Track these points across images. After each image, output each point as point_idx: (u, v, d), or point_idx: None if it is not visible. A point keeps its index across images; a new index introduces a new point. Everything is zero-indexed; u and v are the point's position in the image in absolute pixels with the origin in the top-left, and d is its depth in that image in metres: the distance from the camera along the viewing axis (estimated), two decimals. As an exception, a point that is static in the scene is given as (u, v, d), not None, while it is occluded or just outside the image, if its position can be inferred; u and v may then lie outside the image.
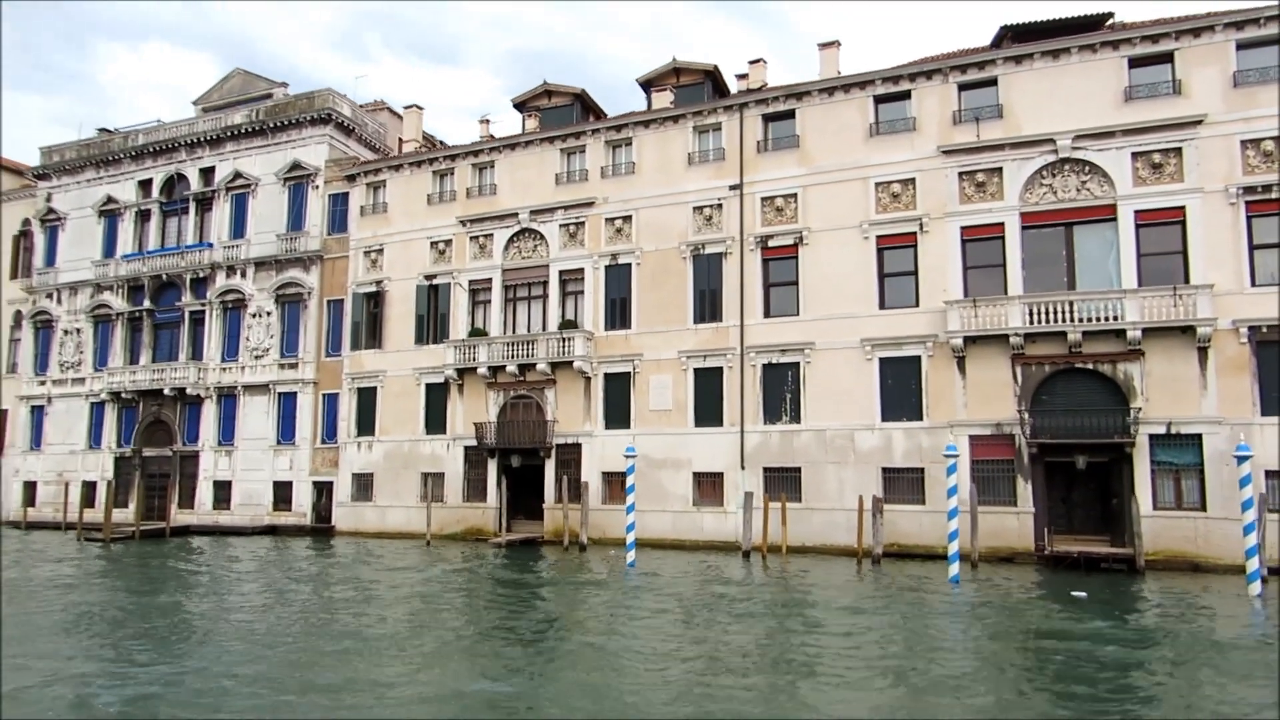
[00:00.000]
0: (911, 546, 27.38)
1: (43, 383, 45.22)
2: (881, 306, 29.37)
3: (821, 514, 29.07)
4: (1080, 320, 26.07)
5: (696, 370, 31.56)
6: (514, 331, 35.06)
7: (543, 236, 34.89)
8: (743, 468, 30.38)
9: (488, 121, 38.62)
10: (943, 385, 28.15)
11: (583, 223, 34.18)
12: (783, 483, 29.75)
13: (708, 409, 31.24)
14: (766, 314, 30.95)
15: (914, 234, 29.20)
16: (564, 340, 32.93)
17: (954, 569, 21.48)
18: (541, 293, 34.95)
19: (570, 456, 33.15)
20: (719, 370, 31.26)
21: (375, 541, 34.26)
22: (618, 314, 33.23)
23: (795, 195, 30.95)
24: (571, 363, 32.80)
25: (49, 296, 45.64)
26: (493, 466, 34.35)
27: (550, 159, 35.17)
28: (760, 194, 31.44)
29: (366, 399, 37.32)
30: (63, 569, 26.48)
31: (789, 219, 30.98)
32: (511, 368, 33.62)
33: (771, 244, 31.08)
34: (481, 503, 34.42)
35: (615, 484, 32.23)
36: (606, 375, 32.95)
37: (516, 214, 35.18)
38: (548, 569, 25.22)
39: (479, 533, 33.93)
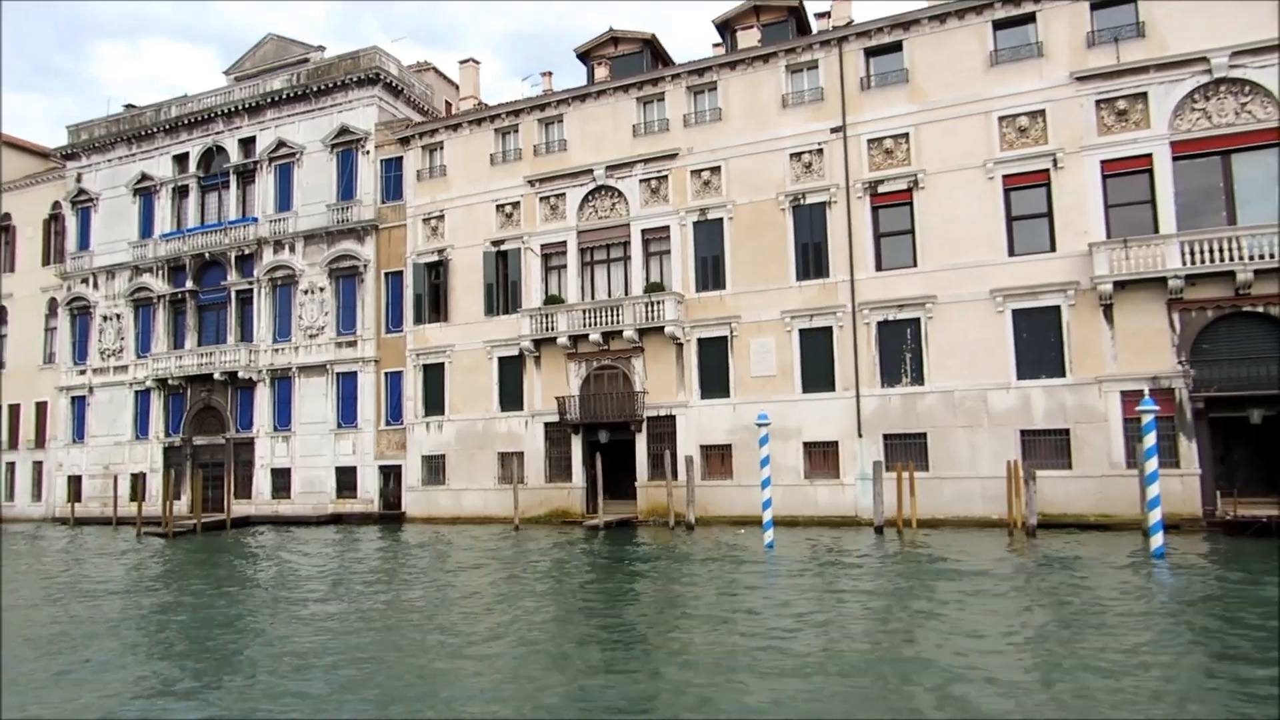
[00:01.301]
0: (1058, 515, 24.76)
1: (82, 372, 42.93)
2: (1011, 253, 26.65)
3: (952, 483, 26.51)
4: (1251, 258, 23.30)
5: (802, 331, 28.96)
6: (593, 298, 32.48)
7: (621, 194, 32.21)
8: (860, 435, 27.83)
9: (549, 75, 35.81)
10: (1087, 337, 25.45)
11: (665, 176, 31.48)
12: (905, 450, 27.19)
13: (817, 373, 28.66)
14: (879, 267, 28.27)
15: (1046, 171, 26.41)
16: (652, 304, 30.34)
17: (1157, 540, 18.86)
18: (622, 254, 32.32)
19: (663, 430, 30.64)
20: (827, 330, 28.65)
21: (451, 527, 31.93)
22: (710, 274, 30.59)
23: (906, 135, 28.17)
24: (662, 328, 30.22)
25: (85, 281, 43.25)
26: (577, 443, 31.89)
27: (625, 110, 32.41)
28: (866, 135, 28.67)
29: (434, 376, 34.85)
30: (134, 566, 24.17)
31: (900, 161, 28.21)
32: (595, 336, 31.06)
33: (881, 190, 28.34)
34: (566, 482, 32.00)
35: (715, 458, 29.80)
36: (700, 340, 30.37)
37: (590, 170, 32.48)
38: (667, 554, 22.74)
39: (564, 515, 31.54)
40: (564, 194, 33.08)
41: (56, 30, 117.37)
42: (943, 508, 26.43)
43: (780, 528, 27.17)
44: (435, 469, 34.50)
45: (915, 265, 27.71)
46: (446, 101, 42.47)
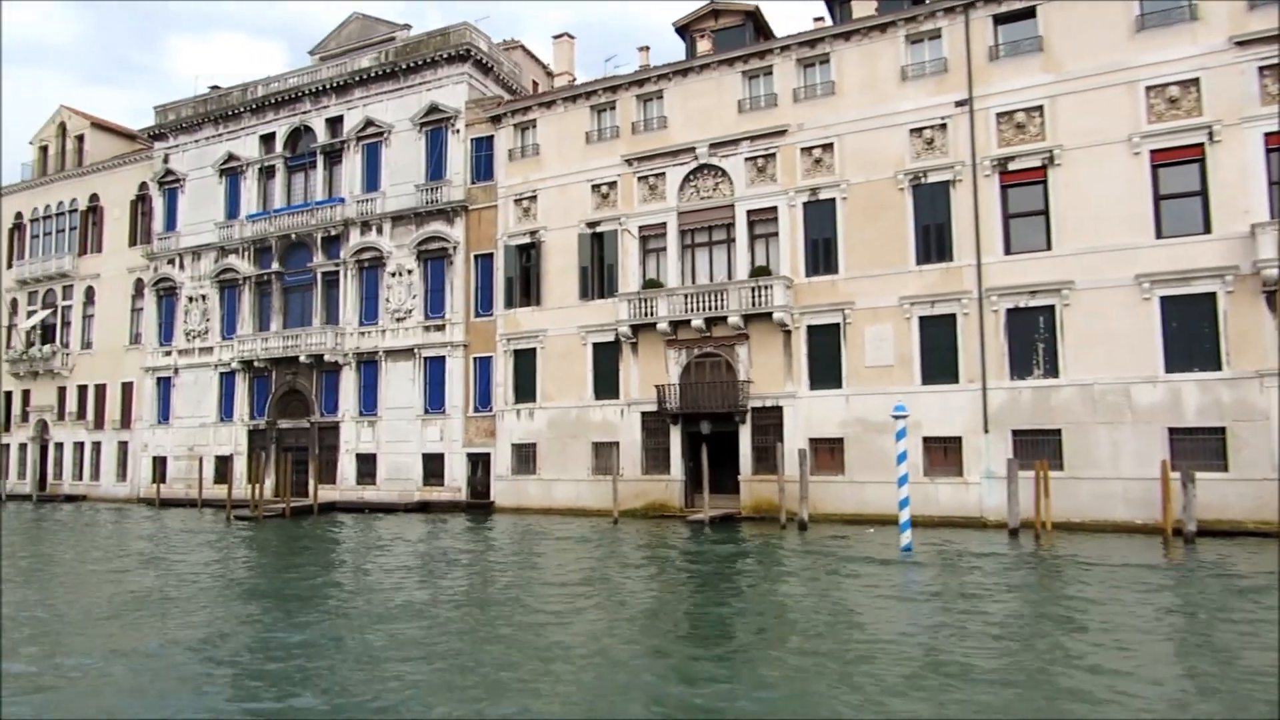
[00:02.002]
0: (1211, 521, 22.63)
1: (168, 353, 42.79)
2: (1159, 235, 24.53)
3: (1090, 484, 24.55)
4: None
5: (923, 319, 27.17)
6: (693, 282, 31.03)
7: (725, 173, 30.67)
8: (986, 431, 25.99)
9: (646, 49, 34.36)
10: (1247, 327, 23.28)
11: (773, 154, 29.86)
12: (1037, 447, 25.27)
13: (938, 363, 26.86)
14: (1008, 250, 26.35)
15: (1200, 146, 24.23)
16: (759, 289, 28.80)
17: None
18: (725, 237, 30.80)
19: (768, 421, 29.13)
20: (950, 318, 26.82)
21: (542, 519, 30.81)
22: (821, 257, 28.93)
23: (1040, 108, 26.16)
24: (769, 314, 28.67)
25: (171, 263, 43.06)
26: (676, 434, 30.52)
27: (730, 84, 30.84)
28: (995, 109, 26.72)
29: (525, 362, 33.75)
30: (229, 550, 23.44)
31: (1033, 136, 26.21)
32: (697, 322, 29.62)
33: (1012, 167, 26.40)
34: (663, 475, 30.66)
35: (824, 452, 28.18)
36: (810, 328, 28.75)
37: (693, 149, 31.00)
38: (789, 556, 21.24)
39: (662, 508, 30.20)
40: (663, 173, 31.65)
41: (134, 25, 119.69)
42: (1079, 510, 24.51)
43: (895, 527, 25.61)
44: (525, 458, 33.42)
45: (1049, 249, 25.74)
46: (533, 81, 41.29)
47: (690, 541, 24.13)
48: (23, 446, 48.00)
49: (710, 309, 29.54)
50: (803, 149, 29.37)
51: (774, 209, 29.70)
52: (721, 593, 16.35)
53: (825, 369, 28.44)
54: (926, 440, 26.84)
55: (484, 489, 34.30)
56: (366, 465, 36.79)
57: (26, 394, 48.12)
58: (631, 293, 31.12)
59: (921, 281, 27.22)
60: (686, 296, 30.04)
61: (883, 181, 28.06)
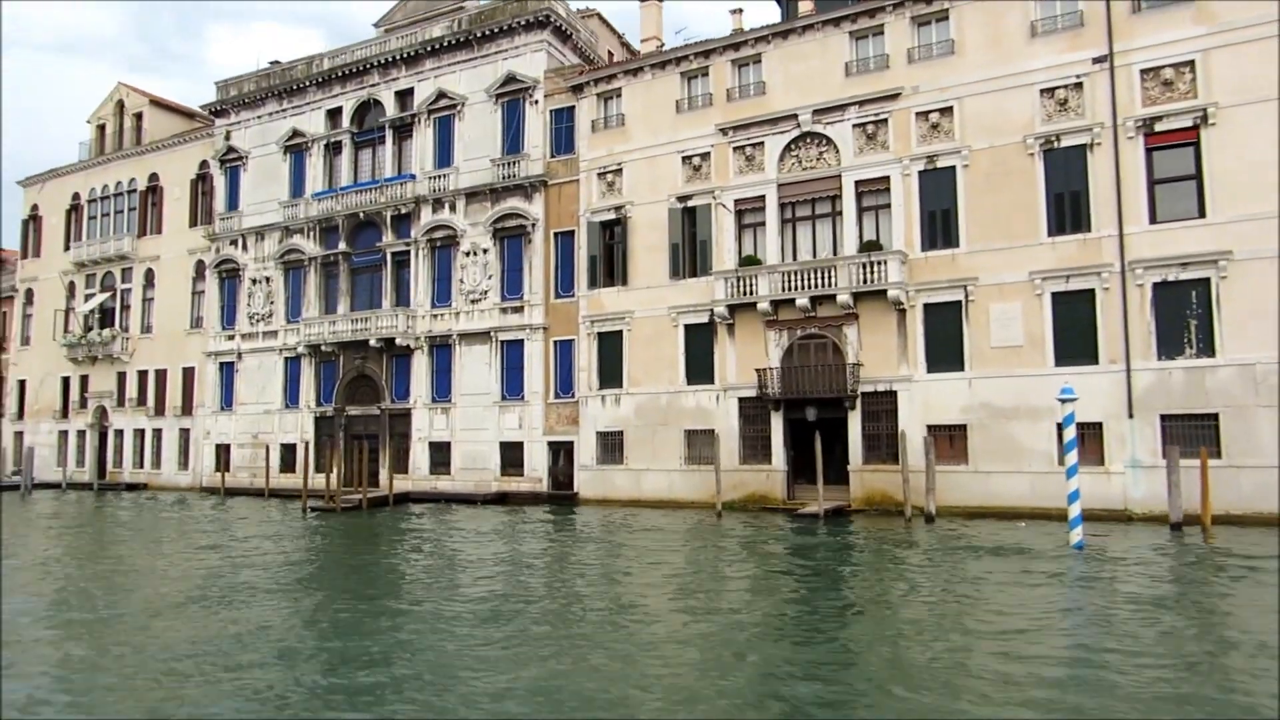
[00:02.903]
0: (1397, 516, 20.34)
1: (231, 337, 41.50)
2: (1332, 201, 22.14)
3: (1253, 474, 22.29)
4: None
5: (1056, 295, 24.99)
6: (795, 258, 29.04)
7: (830, 141, 28.60)
8: (1130, 416, 23.80)
9: (739, 12, 32.31)
10: None
11: (884, 120, 27.75)
12: (1189, 434, 23.04)
13: (1075, 342, 24.67)
14: (1153, 219, 24.07)
15: (1380, 102, 21.77)
16: (871, 265, 26.75)
17: None
18: (830, 209, 28.76)
19: (881, 407, 27.10)
20: (1089, 293, 24.61)
21: (631, 511, 29.06)
22: (939, 230, 26.81)
23: (1191, 63, 23.82)
24: (882, 292, 26.65)
25: (233, 243, 41.73)
26: (778, 421, 28.58)
27: (835, 46, 28.75)
28: (1139, 65, 24.41)
29: (610, 345, 31.93)
30: (319, 544, 21.89)
31: (1183, 94, 23.90)
32: (801, 301, 27.63)
33: (1159, 128, 24.11)
34: (764, 464, 28.73)
35: (943, 439, 26.07)
36: (927, 306, 26.66)
37: (795, 115, 28.95)
38: (940, 554, 19.25)
39: (763, 500, 28.31)
40: (762, 142, 29.64)
41: (175, 16, 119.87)
42: (1240, 503, 22.26)
43: (1032, 520, 23.60)
44: (612, 447, 31.63)
45: (1203, 216, 23.44)
46: (608, 51, 39.39)
47: (808, 536, 22.25)
48: (81, 433, 47.05)
49: (816, 287, 27.55)
50: (918, 114, 27.24)
51: (885, 179, 27.61)
52: (888, 602, 14.42)
53: (945, 350, 26.34)
54: (1060, 427, 24.58)
55: (566, 479, 32.57)
56: (440, 454, 35.20)
57: (85, 379, 47.14)
58: (728, 270, 29.19)
59: (1055, 255, 25.02)
60: (789, 274, 28.06)
61: (1009, 147, 25.86)
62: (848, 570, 17.55)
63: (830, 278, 27.35)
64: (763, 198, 29.53)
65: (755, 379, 28.61)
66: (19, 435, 49.93)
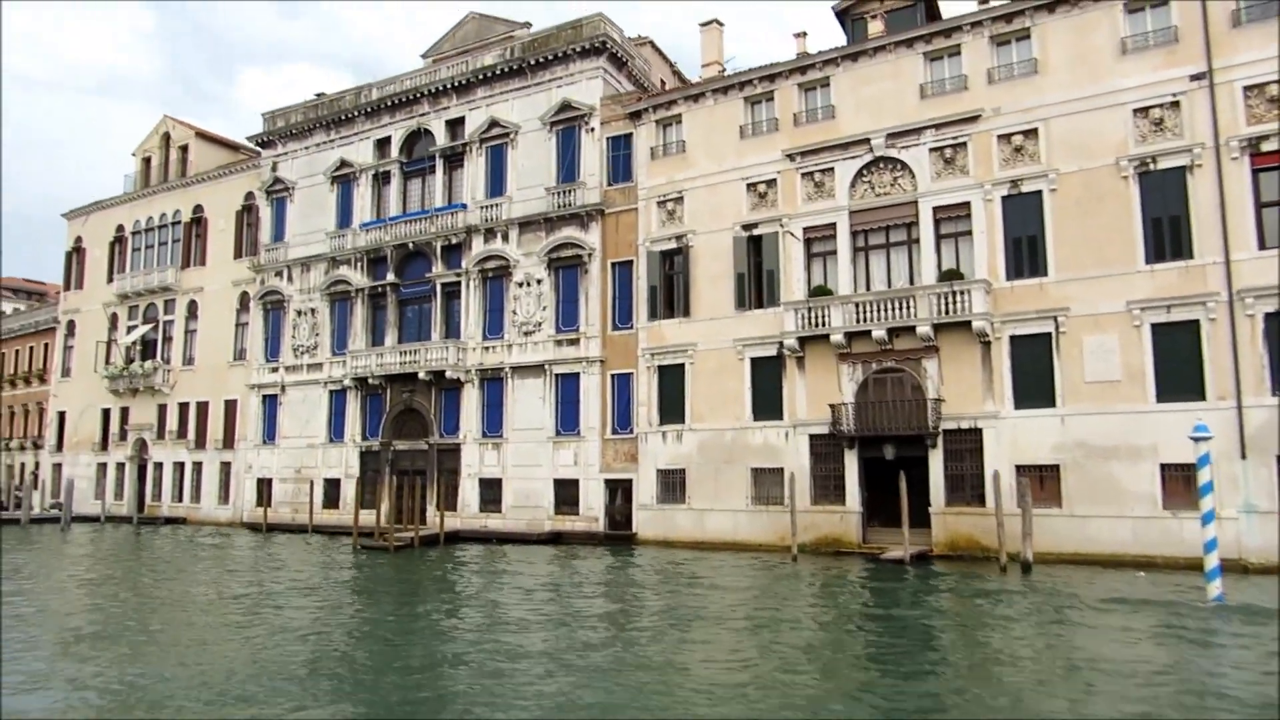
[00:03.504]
0: None
1: (275, 369, 40.67)
2: None
3: (1385, 521, 20.52)
4: None
5: (1156, 326, 23.48)
6: (868, 288, 27.73)
7: (904, 166, 27.40)
8: (1243, 457, 22.13)
9: (804, 35, 31.34)
10: None
11: (963, 144, 26.52)
12: (1310, 477, 21.33)
13: (1178, 377, 23.11)
14: (1262, 244, 22.61)
15: None
16: (954, 294, 25.37)
17: None
18: (905, 237, 27.48)
19: (964, 445, 25.60)
20: (1193, 324, 23.09)
21: (694, 553, 27.61)
22: (1025, 258, 25.43)
23: (1301, 81, 22.40)
24: (965, 324, 25.28)
25: (278, 275, 41.04)
26: (851, 459, 27.12)
27: (909, 68, 27.63)
28: (1241, 81, 23.08)
29: (671, 379, 30.68)
30: (380, 584, 20.61)
31: (1293, 114, 22.45)
32: (878, 333, 26.27)
33: (1265, 148, 22.70)
34: (837, 505, 27.23)
35: (1033, 480, 24.42)
36: (1014, 338, 25.22)
37: (866, 140, 27.80)
38: (1059, 607, 17.66)
39: (836, 543, 26.78)
40: (831, 168, 28.49)
41: (208, 58, 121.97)
42: (1371, 552, 20.48)
43: (1133, 570, 21.97)
44: (673, 485, 30.26)
45: (1318, 243, 21.92)
46: (661, 80, 38.53)
47: (893, 583, 20.76)
48: (120, 465, 46.32)
49: (894, 318, 26.20)
50: (1000, 136, 25.99)
51: (966, 204, 26.32)
52: (1028, 669, 12.90)
53: (1034, 385, 24.84)
54: (1165, 467, 23.06)
55: (624, 519, 31.19)
56: (490, 491, 33.96)
57: (125, 411, 46.50)
58: (798, 301, 27.93)
59: (1154, 283, 23.55)
60: (864, 304, 26.75)
61: (1101, 169, 24.51)
62: (958, 625, 16.02)
63: (909, 308, 26.01)
64: (833, 225, 28.32)
65: (826, 415, 27.25)
66: (57, 467, 49.33)
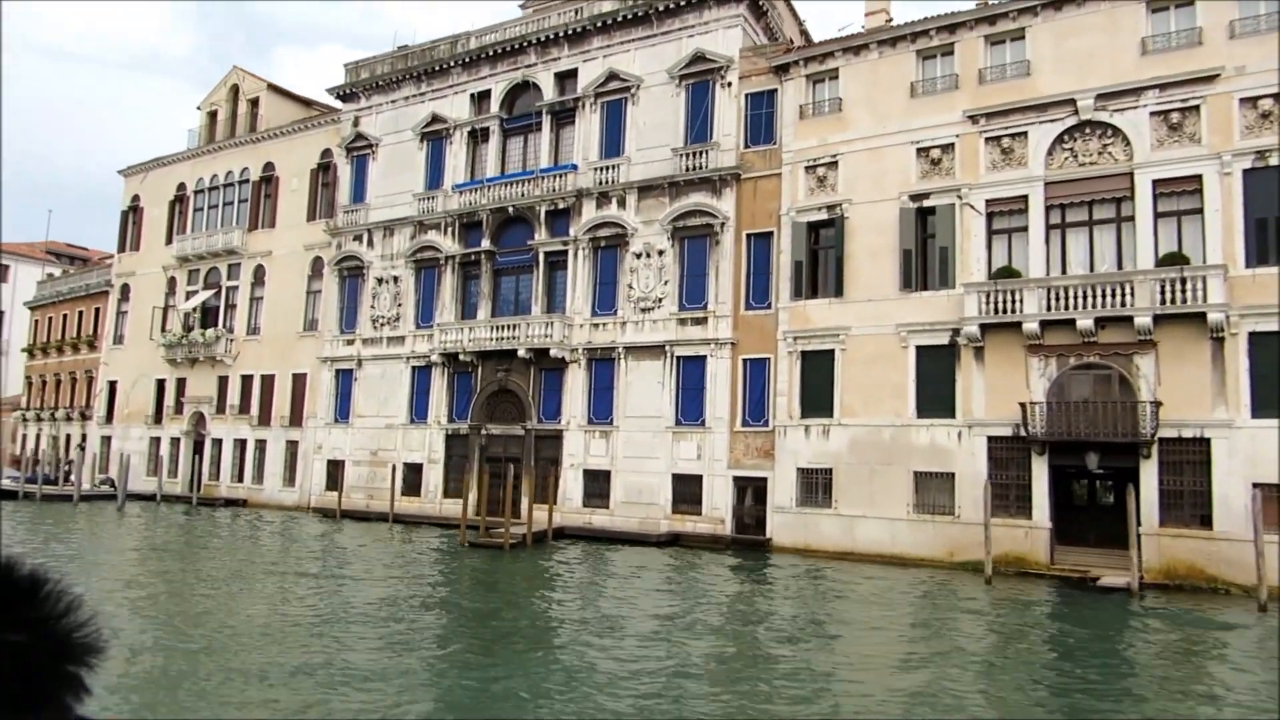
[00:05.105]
0: None
1: (350, 342, 37.36)
2: None
3: None
4: None
5: None
6: (1063, 270, 24.06)
7: (1117, 132, 23.67)
8: None
9: (982, -16, 27.57)
10: None
11: (1194, 107, 22.77)
12: None
13: None
14: None
15: None
16: (1182, 281, 21.65)
17: None
18: (1113, 214, 23.78)
19: (1187, 457, 21.91)
20: None
21: (841, 565, 24.17)
22: (1271, 242, 21.66)
23: None
24: (1196, 315, 21.59)
25: (357, 239, 37.72)
26: (1040, 467, 23.50)
27: (1127, 19, 23.90)
28: None
29: (817, 366, 27.12)
30: (520, 588, 17.21)
31: None
32: (1084, 323, 22.59)
33: None
34: (1021, 519, 23.60)
35: (1270, 501, 20.67)
36: (1253, 335, 21.51)
37: (1070, 101, 24.09)
38: None
39: (1018, 562, 23.16)
40: (1024, 132, 24.81)
41: (245, 36, 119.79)
42: None
43: None
44: (816, 486, 26.71)
45: None
46: (790, 39, 34.81)
47: (1131, 620, 17.16)
48: (175, 441, 43.19)
49: (1103, 306, 22.50)
50: (1242, 100, 22.23)
51: (1195, 178, 22.59)
52: None
53: (1276, 391, 21.08)
54: None
55: (755, 522, 27.70)
56: (596, 484, 30.54)
57: (182, 382, 43.37)
58: (981, 283, 24.30)
59: None
60: (1064, 289, 23.07)
61: (1374, 140, 20.71)
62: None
63: (1124, 296, 22.33)
64: (1023, 198, 24.64)
65: (1009, 414, 23.67)
66: (106, 440, 46.32)
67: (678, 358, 29.45)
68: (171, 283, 44.75)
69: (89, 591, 15.76)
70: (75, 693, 0.92)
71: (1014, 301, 23.68)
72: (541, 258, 32.72)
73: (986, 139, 25.29)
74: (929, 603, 19.25)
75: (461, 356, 33.16)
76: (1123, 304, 22.34)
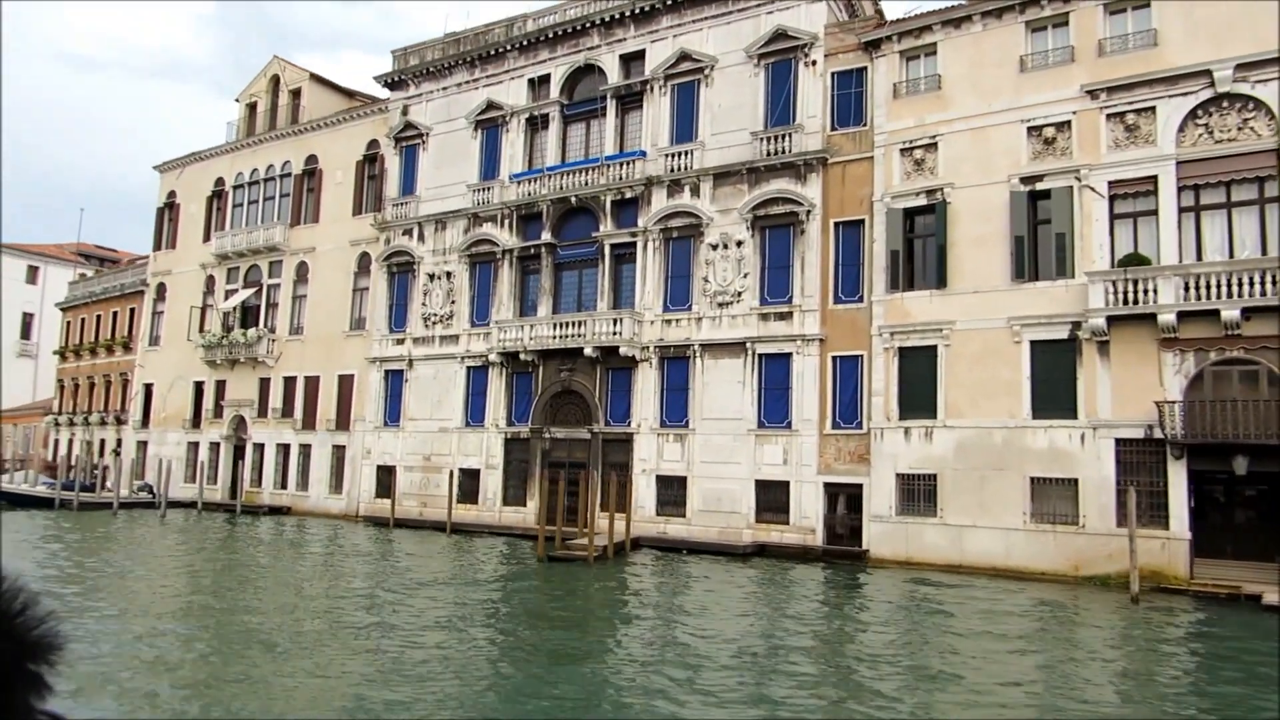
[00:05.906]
0: None
1: (400, 341, 35.60)
2: None
3: None
4: None
5: None
6: (1198, 257, 21.97)
7: (1260, 105, 21.57)
8: None
9: (1092, -50, 25.51)
10: None
11: (1350, 75, 20.63)
12: None
13: None
14: None
15: None
16: (1345, 266, 19.52)
17: None
18: (1256, 195, 21.71)
19: (1351, 461, 19.72)
20: None
21: (951, 579, 22.19)
22: None
23: None
24: (1362, 304, 19.36)
25: (407, 233, 35.97)
26: (1178, 472, 21.39)
27: (1267, -20, 21.76)
28: None
29: (917, 364, 25.11)
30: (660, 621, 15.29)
31: None
32: (1229, 314, 20.49)
33: None
34: (1155, 529, 21.47)
35: None
36: None
37: (1206, 73, 22.00)
38: None
39: (1153, 577, 21.01)
40: (1151, 108, 22.74)
41: (266, 43, 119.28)
42: None
43: None
44: (918, 494, 24.68)
45: None
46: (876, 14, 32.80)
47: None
48: (214, 445, 41.55)
49: (1253, 295, 20.39)
50: None
51: (1353, 153, 20.43)
52: None
53: None
54: None
55: (848, 532, 25.70)
56: (671, 491, 28.62)
57: (221, 385, 41.75)
58: (1107, 271, 22.25)
59: None
60: (1205, 278, 20.99)
61: None
62: None
63: (1276, 284, 20.19)
64: (1152, 179, 22.56)
65: (1138, 414, 21.64)
66: (142, 444, 44.78)
67: (759, 355, 27.50)
68: (210, 281, 43.18)
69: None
70: (38, 690, 0.93)
71: (1146, 291, 21.62)
72: (607, 250, 30.85)
73: (1108, 115, 23.22)
74: (1084, 628, 17.20)
75: (522, 356, 31.33)
76: (1268, 293, 20.22)
